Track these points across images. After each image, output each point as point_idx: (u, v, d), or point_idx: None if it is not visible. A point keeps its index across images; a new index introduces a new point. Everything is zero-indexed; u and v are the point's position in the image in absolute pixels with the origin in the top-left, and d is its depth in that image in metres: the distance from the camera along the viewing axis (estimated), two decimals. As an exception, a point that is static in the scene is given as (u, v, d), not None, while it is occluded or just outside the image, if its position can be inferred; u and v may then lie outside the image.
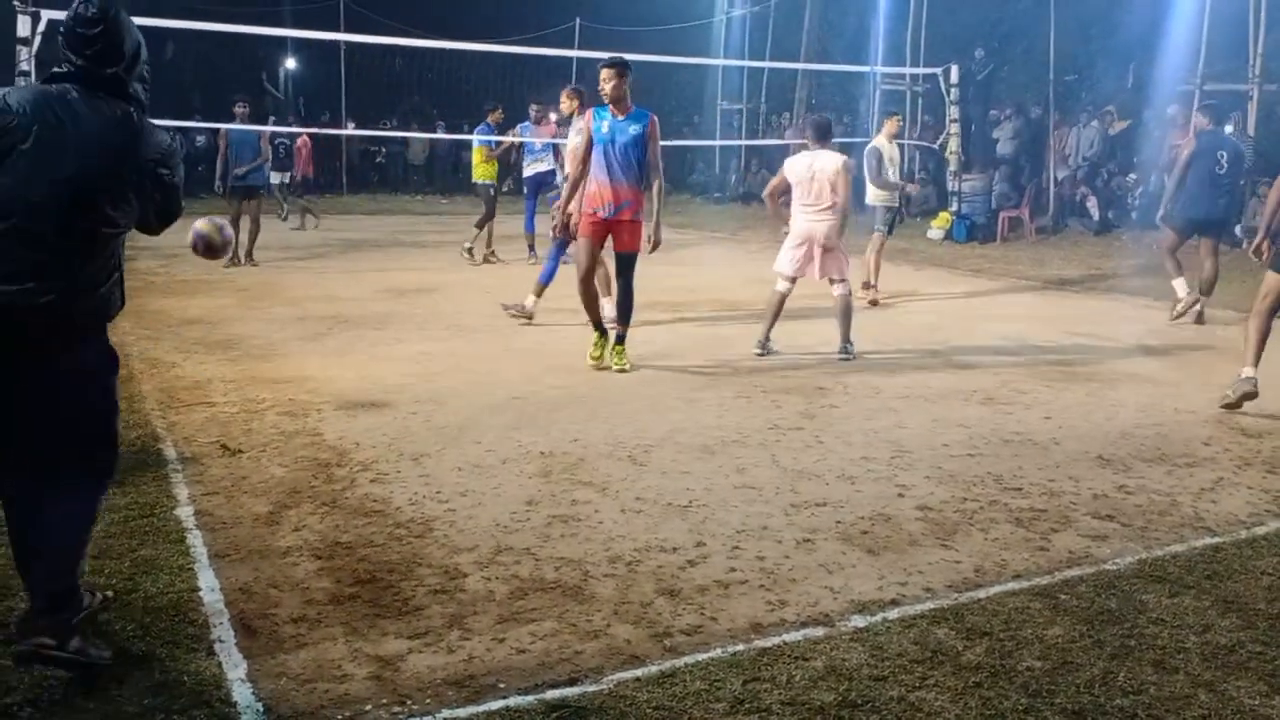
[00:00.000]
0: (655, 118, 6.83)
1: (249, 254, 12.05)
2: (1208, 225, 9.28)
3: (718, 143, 22.91)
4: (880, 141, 10.47)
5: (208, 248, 3.62)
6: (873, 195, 10.52)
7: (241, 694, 2.82)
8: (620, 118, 6.74)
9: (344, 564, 3.68)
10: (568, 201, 7.35)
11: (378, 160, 26.24)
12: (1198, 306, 9.09)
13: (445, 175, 24.90)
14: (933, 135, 16.76)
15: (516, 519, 4.15)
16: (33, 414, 2.87)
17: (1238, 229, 13.05)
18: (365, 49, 21.10)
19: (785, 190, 7.66)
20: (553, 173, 12.00)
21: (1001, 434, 5.52)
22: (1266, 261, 6.14)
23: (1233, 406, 5.96)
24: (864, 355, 7.40)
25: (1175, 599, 3.50)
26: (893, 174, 10.50)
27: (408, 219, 19.26)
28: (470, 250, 12.64)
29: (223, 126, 12.62)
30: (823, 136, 7.63)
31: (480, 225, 12.74)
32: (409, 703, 2.79)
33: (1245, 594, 3.55)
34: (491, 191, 12.92)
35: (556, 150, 11.59)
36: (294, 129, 16.71)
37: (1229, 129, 13.29)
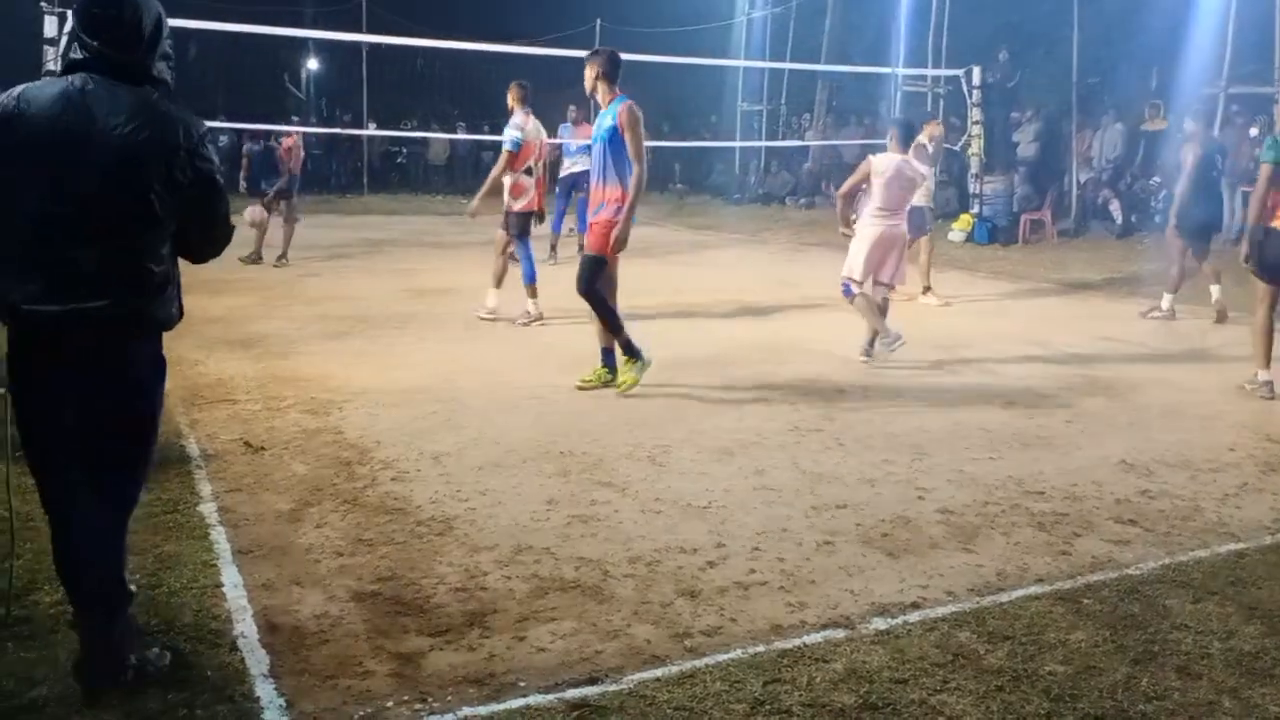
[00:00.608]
0: (627, 104, 6.07)
1: (283, 254, 12.14)
2: (1206, 233, 9.36)
3: (738, 144, 22.88)
4: (923, 141, 10.45)
5: None
6: (915, 196, 10.47)
7: (264, 690, 2.83)
8: (603, 111, 6.30)
9: (365, 561, 3.70)
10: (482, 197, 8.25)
11: (398, 161, 26.36)
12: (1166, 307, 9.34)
13: (466, 176, 24.99)
14: (954, 137, 16.68)
15: (536, 518, 4.16)
16: (75, 420, 2.77)
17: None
18: (386, 50, 21.20)
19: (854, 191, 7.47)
20: (587, 174, 12.06)
21: (1023, 437, 5.49)
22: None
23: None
24: (885, 358, 7.36)
25: (1199, 605, 3.47)
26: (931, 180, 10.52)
27: (428, 219, 19.32)
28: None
29: (245, 126, 12.73)
30: (909, 142, 7.54)
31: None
32: (430, 700, 2.81)
33: (1269, 600, 3.52)
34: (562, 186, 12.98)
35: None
36: (290, 128, 16.62)
37: (1254, 131, 13.22)
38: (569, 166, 12.72)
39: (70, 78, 2.76)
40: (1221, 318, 9.09)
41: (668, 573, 3.66)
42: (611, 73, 6.21)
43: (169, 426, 5.26)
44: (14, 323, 2.68)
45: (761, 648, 3.11)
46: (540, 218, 8.77)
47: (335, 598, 3.40)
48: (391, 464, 4.81)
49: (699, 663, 3.02)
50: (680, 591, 3.51)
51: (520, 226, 8.52)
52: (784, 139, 22.60)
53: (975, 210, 15.56)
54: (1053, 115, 16.95)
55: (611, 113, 6.13)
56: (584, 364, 6.89)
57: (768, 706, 2.79)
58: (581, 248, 8.28)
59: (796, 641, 3.16)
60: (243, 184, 12.35)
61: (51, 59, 10.39)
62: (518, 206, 8.43)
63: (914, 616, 3.35)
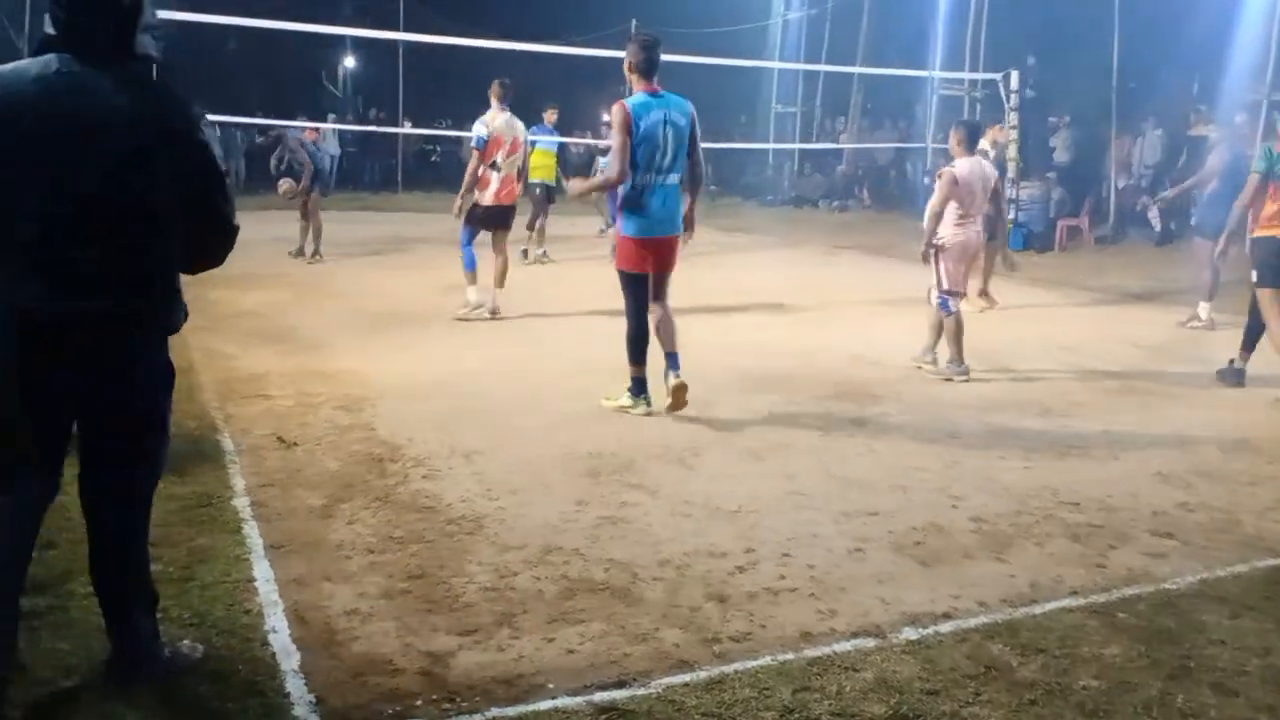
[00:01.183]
0: (618, 103, 5.64)
1: (316, 250, 12.23)
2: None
3: (771, 145, 22.83)
4: (985, 146, 10.43)
5: None
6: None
7: (294, 685, 2.85)
8: None
9: (396, 559, 3.71)
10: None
11: (433, 159, 26.50)
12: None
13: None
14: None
15: (566, 519, 4.16)
16: (75, 420, 2.72)
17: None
18: (423, 48, 21.30)
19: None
20: None
21: (1058, 447, 5.42)
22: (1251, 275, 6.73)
23: None
24: (919, 363, 7.30)
25: (1236, 620, 3.42)
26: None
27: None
28: (525, 251, 12.73)
29: (282, 124, 12.87)
30: (976, 143, 7.36)
31: (530, 226, 12.80)
32: (458, 700, 2.81)
33: (1310, 618, 3.46)
34: (538, 191, 12.96)
35: None
36: (315, 124, 16.74)
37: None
38: None
39: (45, 61, 2.55)
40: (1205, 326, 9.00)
41: (697, 576, 3.65)
42: (638, 64, 5.60)
43: (204, 420, 5.33)
44: (14, 323, 2.55)
45: (791, 655, 3.09)
46: (509, 213, 8.82)
47: (366, 595, 3.42)
48: (423, 461, 4.83)
49: (728, 669, 3.00)
50: (709, 596, 3.49)
51: (479, 218, 8.69)
52: (818, 141, 22.51)
53: (1011, 216, 15.41)
54: (1091, 120, 16.77)
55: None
56: (619, 366, 6.88)
57: (797, 715, 2.77)
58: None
59: (826, 649, 3.14)
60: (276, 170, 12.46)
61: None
62: (483, 200, 8.60)
63: (946, 627, 3.31)
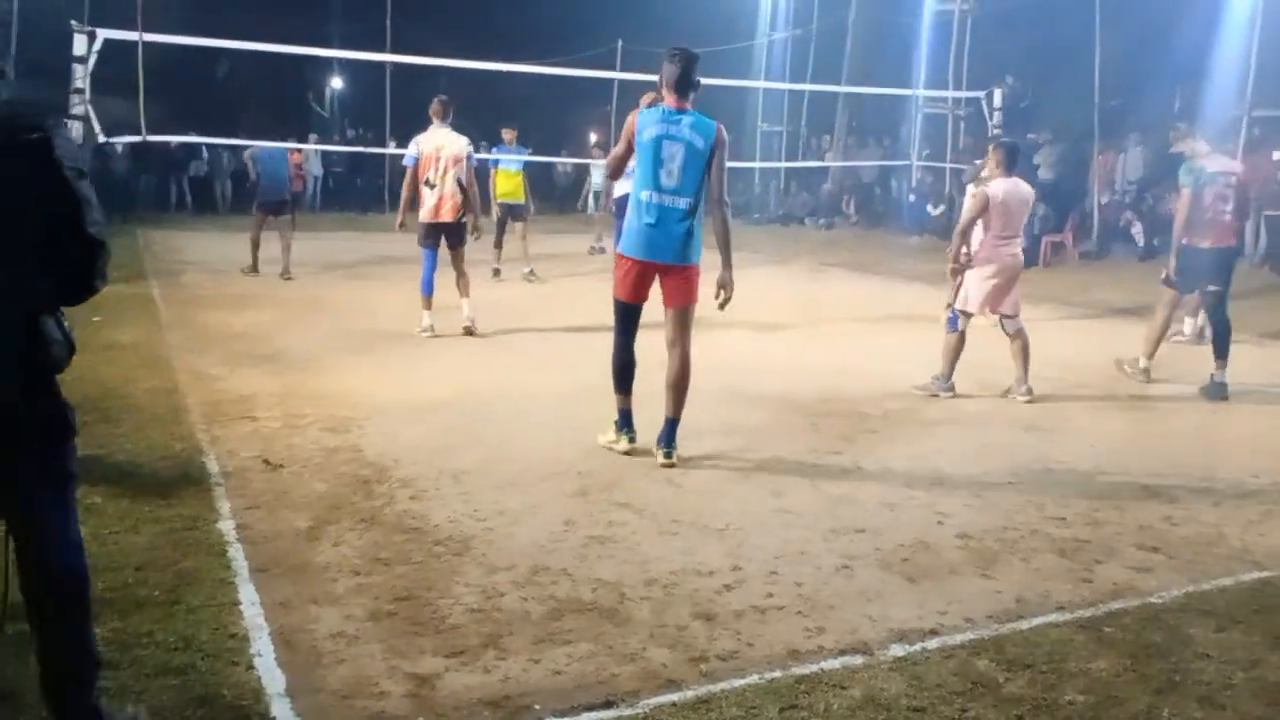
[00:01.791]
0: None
1: (285, 269, 12.23)
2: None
3: (757, 164, 22.92)
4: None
5: None
6: None
7: (280, 709, 2.83)
8: None
9: (382, 581, 3.70)
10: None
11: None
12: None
13: (488, 194, 25.12)
14: (970, 159, 16.65)
15: (554, 539, 4.16)
16: None
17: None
18: (409, 69, 21.36)
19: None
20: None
21: (1044, 462, 5.45)
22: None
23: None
24: (905, 378, 7.33)
25: (1222, 633, 3.43)
26: None
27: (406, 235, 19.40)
28: (495, 270, 12.73)
29: (252, 143, 12.92)
30: (1015, 163, 7.10)
31: (497, 244, 12.81)
32: (445, 721, 2.80)
33: (1295, 631, 3.47)
34: (499, 211, 12.98)
35: None
36: (303, 145, 16.82)
37: (1277, 155, 13.14)
38: (622, 186, 12.90)
39: None
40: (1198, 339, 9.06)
41: (684, 595, 3.64)
42: (666, 79, 5.19)
43: (190, 443, 5.30)
44: None
45: (778, 673, 3.09)
46: (453, 229, 8.82)
47: (352, 617, 3.41)
48: (410, 482, 4.82)
49: (715, 687, 3.00)
50: (697, 614, 3.49)
51: (422, 236, 8.82)
52: (803, 159, 22.63)
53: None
54: (1075, 137, 16.90)
55: None
56: (605, 385, 6.87)
57: (784, 733, 2.77)
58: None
59: (814, 667, 3.14)
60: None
61: (80, 76, 10.54)
62: (421, 217, 8.77)
63: (933, 643, 3.32)
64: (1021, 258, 7.03)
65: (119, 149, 18.90)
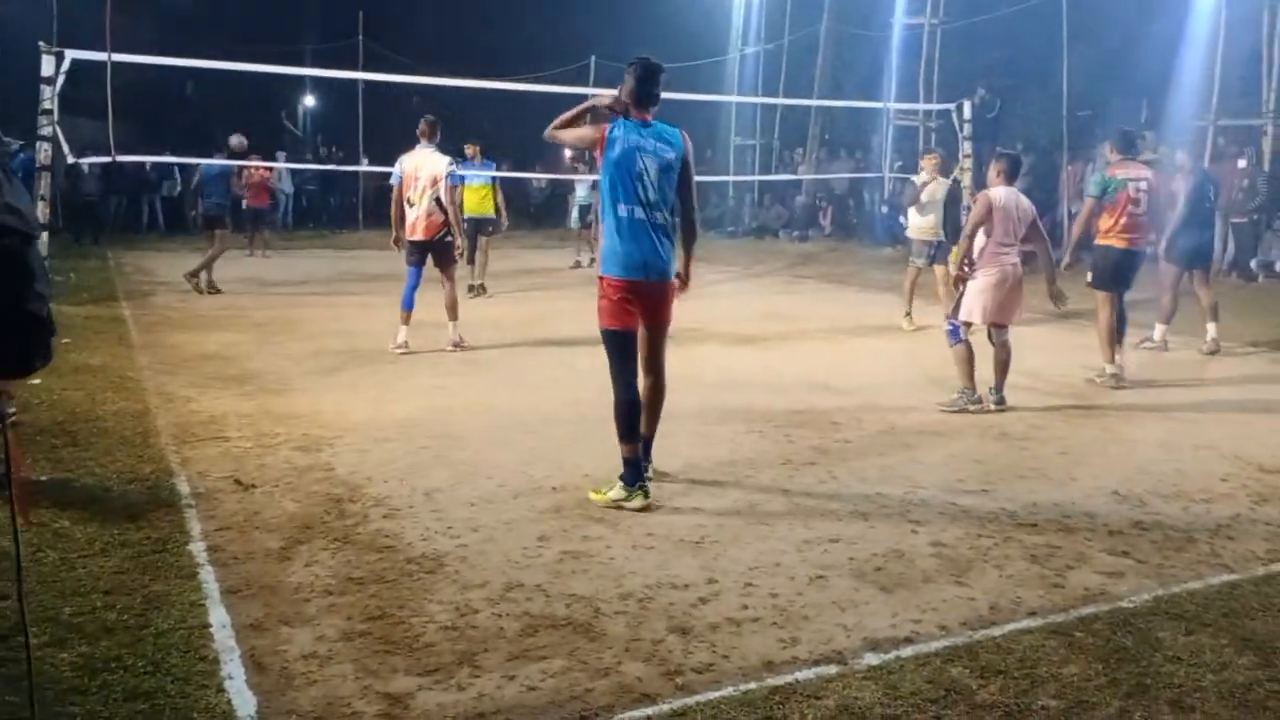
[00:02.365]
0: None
1: (209, 282, 12.29)
2: (1202, 257, 9.44)
3: (731, 178, 23.04)
4: (922, 177, 10.95)
5: None
6: (913, 228, 10.90)
7: (251, 731, 2.81)
8: None
9: (355, 600, 3.67)
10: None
11: (395, 196, 26.44)
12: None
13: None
14: (943, 171, 16.79)
15: (528, 555, 4.14)
16: None
17: (1254, 263, 13.02)
18: (382, 87, 21.37)
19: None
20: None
21: (1016, 469, 5.48)
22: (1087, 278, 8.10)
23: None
24: (878, 389, 7.36)
25: (1192, 637, 3.46)
26: (934, 213, 10.70)
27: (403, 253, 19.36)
28: (470, 287, 12.75)
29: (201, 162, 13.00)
30: (1016, 175, 7.22)
31: (469, 261, 12.82)
32: (418, 741, 2.78)
33: (1263, 632, 3.51)
34: (470, 226, 13.00)
35: None
36: (260, 162, 16.80)
37: (1241, 163, 13.35)
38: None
39: None
40: (1214, 351, 9.15)
41: (659, 609, 3.64)
42: (630, 95, 4.97)
43: (159, 465, 5.25)
44: None
45: (753, 685, 3.09)
46: (438, 248, 8.89)
47: (324, 637, 3.38)
48: (383, 501, 4.79)
49: (690, 700, 2.99)
50: (672, 628, 3.49)
51: (408, 253, 8.93)
52: (777, 172, 22.76)
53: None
54: (1045, 148, 17.10)
55: None
56: (580, 399, 6.88)
57: (759, 744, 2.77)
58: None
59: (789, 678, 3.14)
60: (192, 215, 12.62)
61: (48, 97, 10.47)
62: (405, 235, 8.89)
63: (907, 651, 3.33)
64: (1020, 267, 7.03)
65: (88, 170, 18.77)
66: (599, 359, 4.94)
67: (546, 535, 4.37)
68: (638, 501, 4.77)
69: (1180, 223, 9.28)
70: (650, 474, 5.06)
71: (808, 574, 3.98)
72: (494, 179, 13.41)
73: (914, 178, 11.21)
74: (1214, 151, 13.92)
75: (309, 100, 30.15)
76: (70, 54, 10.46)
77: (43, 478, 4.97)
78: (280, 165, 22.26)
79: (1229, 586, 3.92)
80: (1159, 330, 9.50)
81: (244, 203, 16.91)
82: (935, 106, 17.44)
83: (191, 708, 2.92)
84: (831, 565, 4.08)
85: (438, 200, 8.76)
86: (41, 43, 10.73)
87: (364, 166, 21.65)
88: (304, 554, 4.11)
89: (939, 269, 10.56)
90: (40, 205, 10.65)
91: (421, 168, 8.78)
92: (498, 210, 13.39)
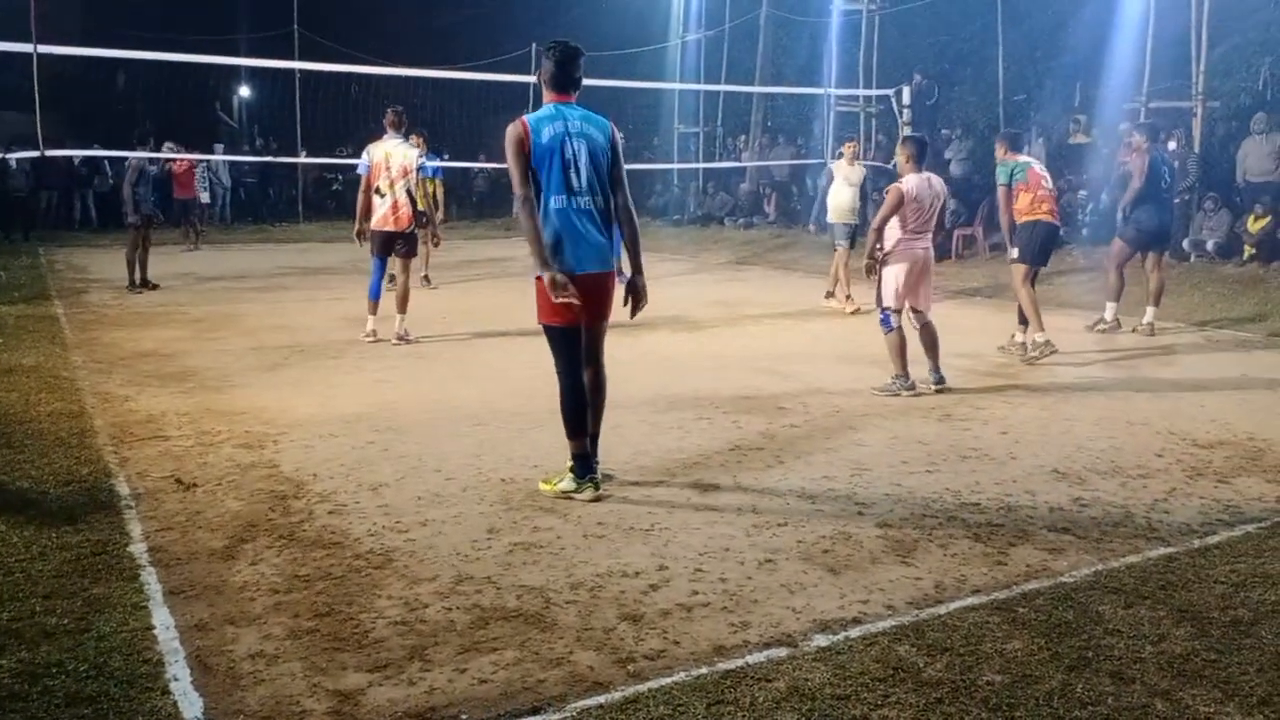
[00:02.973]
0: (515, 121, 4.75)
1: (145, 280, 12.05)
2: (1157, 238, 9.57)
3: (675, 166, 23.05)
4: (838, 165, 11.48)
5: None
6: (833, 213, 11.33)
7: (197, 733, 2.77)
8: None
9: (302, 598, 3.63)
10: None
11: (334, 188, 26.07)
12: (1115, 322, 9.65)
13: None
14: (885, 155, 16.97)
15: (477, 547, 4.13)
16: None
17: (1185, 243, 13.32)
18: (320, 77, 21.04)
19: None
20: None
21: (959, 450, 5.57)
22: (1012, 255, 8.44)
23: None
24: (824, 373, 7.43)
25: (1131, 609, 3.54)
26: (848, 195, 11.21)
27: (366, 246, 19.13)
28: (424, 277, 12.66)
29: (131, 156, 12.60)
30: (924, 158, 7.25)
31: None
32: (369, 737, 2.76)
33: (1199, 603, 3.60)
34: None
35: None
36: (175, 155, 16.36)
37: (1172, 145, 13.63)
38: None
39: None
40: (1149, 334, 9.32)
41: (610, 598, 3.65)
42: (548, 79, 4.82)
43: (97, 465, 5.14)
44: None
45: (705, 669, 3.11)
46: (406, 238, 8.84)
47: (271, 636, 3.34)
48: (328, 497, 4.74)
49: (642, 687, 3.00)
50: (623, 616, 3.50)
51: (375, 244, 8.91)
52: (720, 160, 22.81)
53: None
54: (983, 132, 17.32)
55: None
56: (527, 390, 6.84)
57: (711, 729, 2.78)
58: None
59: (739, 662, 3.17)
60: (133, 217, 12.19)
61: None
62: (373, 225, 8.86)
63: (855, 632, 3.37)
64: (932, 252, 7.13)
65: (15, 165, 18.25)
66: (545, 350, 4.92)
67: (496, 527, 4.35)
68: (588, 493, 4.73)
69: (1136, 200, 9.36)
70: (599, 475, 4.91)
71: (757, 558, 4.01)
72: (438, 170, 13.29)
73: (830, 163, 11.86)
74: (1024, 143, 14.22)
75: (244, 91, 29.57)
76: (43, 48, 10.18)
77: (-25, 482, 4.85)
78: (216, 158, 21.85)
79: (1166, 559, 4.03)
80: (1110, 310, 9.61)
81: (172, 195, 16.58)
82: (875, 92, 17.60)
83: (136, 711, 2.87)
84: (780, 549, 4.11)
85: (408, 191, 8.70)
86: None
87: (302, 158, 21.35)
88: (249, 553, 4.06)
89: (840, 250, 11.20)
90: (-33, 201, 10.36)
91: (392, 157, 8.72)
92: (439, 203, 13.31)
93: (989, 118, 17.28)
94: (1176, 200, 13.98)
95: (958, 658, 3.18)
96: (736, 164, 22.18)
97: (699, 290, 13.07)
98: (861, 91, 18.17)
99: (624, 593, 3.69)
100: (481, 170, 24.41)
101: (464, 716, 2.86)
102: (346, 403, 6.59)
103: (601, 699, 2.94)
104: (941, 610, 3.54)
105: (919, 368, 7.02)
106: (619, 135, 4.91)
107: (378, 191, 8.76)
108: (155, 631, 3.35)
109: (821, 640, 3.31)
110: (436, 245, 9.28)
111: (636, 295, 4.83)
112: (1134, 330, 9.45)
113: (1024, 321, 8.38)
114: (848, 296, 11.00)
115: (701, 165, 22.84)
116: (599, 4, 26.35)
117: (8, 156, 12.99)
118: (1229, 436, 5.85)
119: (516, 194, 4.66)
